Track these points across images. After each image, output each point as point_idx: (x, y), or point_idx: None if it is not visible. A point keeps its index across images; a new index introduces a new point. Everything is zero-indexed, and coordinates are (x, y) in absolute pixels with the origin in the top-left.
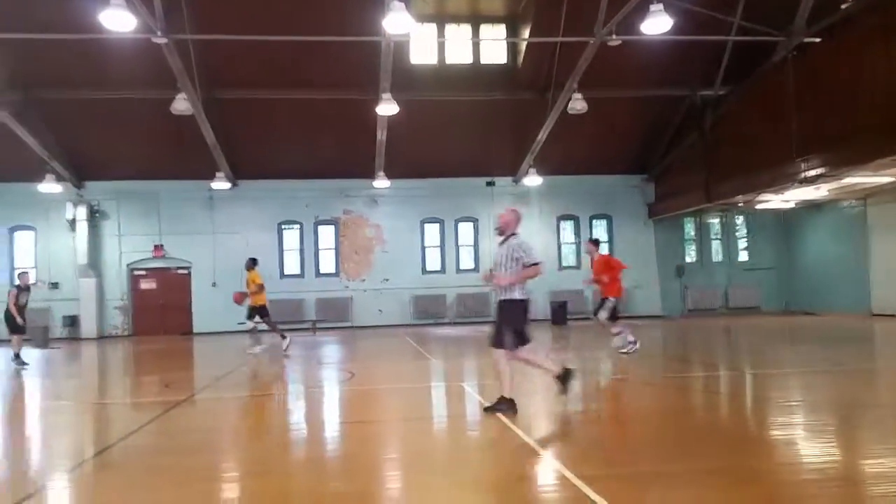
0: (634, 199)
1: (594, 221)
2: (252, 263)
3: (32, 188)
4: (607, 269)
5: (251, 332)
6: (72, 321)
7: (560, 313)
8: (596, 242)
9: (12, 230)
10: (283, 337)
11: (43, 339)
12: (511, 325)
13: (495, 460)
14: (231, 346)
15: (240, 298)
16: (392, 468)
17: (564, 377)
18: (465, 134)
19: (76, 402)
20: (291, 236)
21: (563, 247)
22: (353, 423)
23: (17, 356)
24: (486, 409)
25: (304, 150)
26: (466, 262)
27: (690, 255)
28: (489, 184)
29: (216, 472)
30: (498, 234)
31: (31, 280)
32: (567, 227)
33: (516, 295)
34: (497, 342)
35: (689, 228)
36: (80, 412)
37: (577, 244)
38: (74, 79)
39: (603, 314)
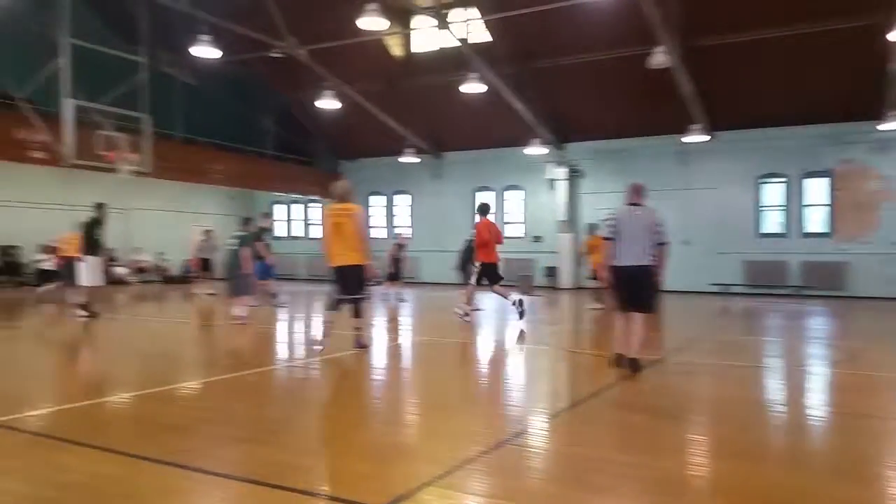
0: None
1: None
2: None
3: (520, 152)
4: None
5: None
6: (551, 272)
7: None
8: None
9: (504, 189)
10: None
11: (526, 287)
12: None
13: None
14: (703, 307)
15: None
16: None
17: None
18: None
19: (553, 348)
20: (773, 191)
21: None
22: (851, 414)
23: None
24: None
25: (789, 93)
26: None
27: None
28: None
29: (687, 443)
30: None
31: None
32: None
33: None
34: None
35: None
36: (556, 359)
37: None
38: (560, 46)
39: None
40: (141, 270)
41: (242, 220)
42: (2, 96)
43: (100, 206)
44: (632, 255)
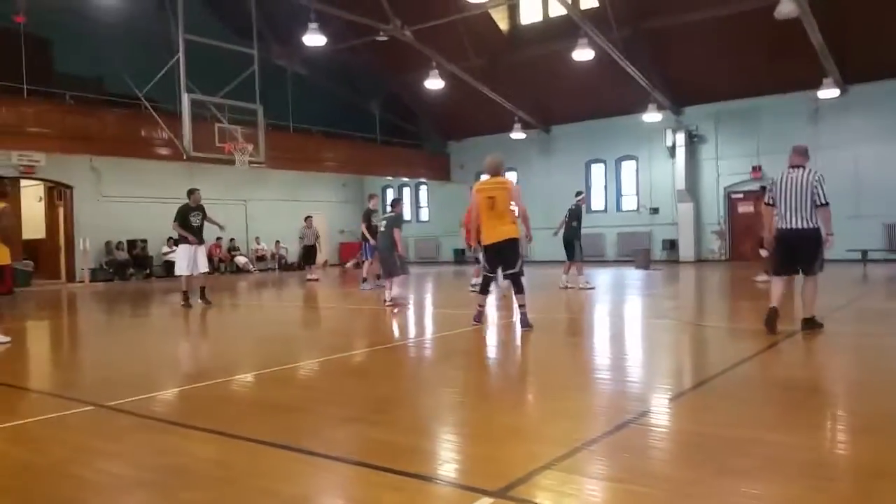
0: None
1: None
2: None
3: (635, 119)
4: None
5: None
6: (671, 245)
7: None
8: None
9: (618, 161)
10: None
11: (644, 261)
12: None
13: None
14: (840, 275)
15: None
16: None
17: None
18: None
19: (677, 321)
20: None
21: None
22: None
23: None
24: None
25: None
26: None
27: None
28: None
29: (835, 420)
30: None
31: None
32: None
33: None
34: None
35: None
36: (680, 332)
37: None
38: (674, 3)
39: None
40: (260, 259)
41: (392, 202)
42: (125, 96)
43: (190, 193)
44: (794, 219)
